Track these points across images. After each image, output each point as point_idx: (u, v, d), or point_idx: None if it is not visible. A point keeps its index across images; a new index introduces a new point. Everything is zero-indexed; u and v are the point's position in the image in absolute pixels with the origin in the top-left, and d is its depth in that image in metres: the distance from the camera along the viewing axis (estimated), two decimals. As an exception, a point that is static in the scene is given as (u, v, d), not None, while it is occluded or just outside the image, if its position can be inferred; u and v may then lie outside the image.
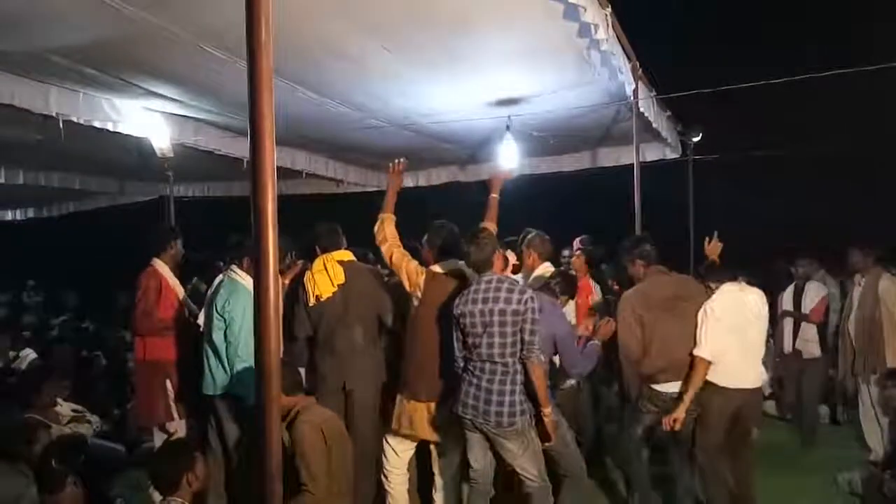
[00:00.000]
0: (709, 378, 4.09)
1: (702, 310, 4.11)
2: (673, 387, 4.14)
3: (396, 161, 4.28)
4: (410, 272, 3.97)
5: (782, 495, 4.69)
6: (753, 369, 4.23)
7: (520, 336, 3.44)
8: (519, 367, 3.48)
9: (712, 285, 4.28)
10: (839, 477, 4.95)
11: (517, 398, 3.46)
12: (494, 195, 4.30)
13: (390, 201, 4.21)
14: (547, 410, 3.51)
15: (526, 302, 3.44)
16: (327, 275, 4.22)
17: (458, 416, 3.59)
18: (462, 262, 3.88)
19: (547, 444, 3.62)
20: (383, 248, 4.09)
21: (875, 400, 5.38)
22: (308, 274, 4.28)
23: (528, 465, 3.54)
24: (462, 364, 3.62)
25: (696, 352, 4.06)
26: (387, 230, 4.09)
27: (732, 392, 4.12)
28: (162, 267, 4.72)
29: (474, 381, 3.52)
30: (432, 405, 3.90)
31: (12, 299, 11.45)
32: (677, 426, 4.05)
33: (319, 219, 4.49)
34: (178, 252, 4.84)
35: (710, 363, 4.05)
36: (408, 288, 4.00)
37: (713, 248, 4.66)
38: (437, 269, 3.99)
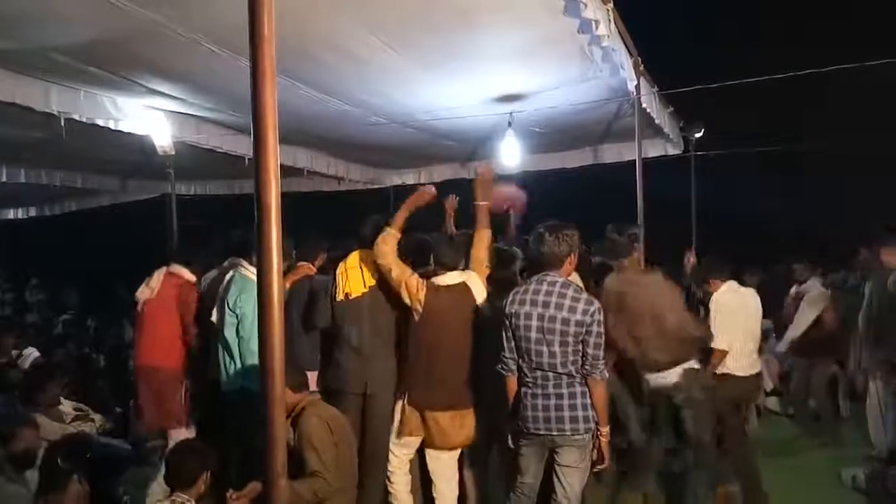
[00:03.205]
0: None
1: (711, 305, 4.61)
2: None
3: (427, 189, 4.27)
4: (411, 287, 3.89)
5: (786, 491, 4.67)
6: (753, 357, 4.71)
7: (581, 349, 3.29)
8: (581, 377, 3.35)
9: (712, 281, 4.74)
10: (843, 472, 4.95)
11: (588, 402, 3.32)
12: (481, 203, 4.14)
13: (399, 217, 4.06)
14: (605, 430, 3.39)
15: (593, 314, 3.27)
16: (361, 274, 4.12)
17: (523, 431, 3.44)
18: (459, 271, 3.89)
19: (599, 467, 3.49)
20: (382, 263, 3.95)
21: (881, 395, 5.37)
22: (342, 267, 4.17)
23: (576, 484, 3.41)
24: (511, 371, 3.47)
25: (713, 344, 4.47)
26: (386, 246, 3.95)
27: (738, 379, 4.56)
28: (188, 275, 4.75)
29: (539, 392, 3.37)
30: (446, 414, 3.85)
31: (15, 298, 11.47)
32: None
33: (320, 217, 4.47)
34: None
35: (725, 352, 4.51)
36: (407, 301, 3.91)
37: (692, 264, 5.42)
38: (438, 281, 3.93)
